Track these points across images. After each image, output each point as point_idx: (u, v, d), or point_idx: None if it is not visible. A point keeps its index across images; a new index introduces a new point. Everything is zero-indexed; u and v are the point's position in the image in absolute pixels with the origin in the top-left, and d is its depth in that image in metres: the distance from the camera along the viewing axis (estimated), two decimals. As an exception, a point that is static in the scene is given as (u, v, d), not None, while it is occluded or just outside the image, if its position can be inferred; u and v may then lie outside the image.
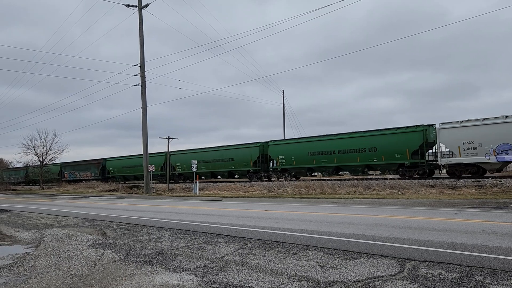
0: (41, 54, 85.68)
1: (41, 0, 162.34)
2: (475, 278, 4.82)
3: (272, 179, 32.05)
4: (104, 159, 52.59)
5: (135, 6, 33.01)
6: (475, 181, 21.27)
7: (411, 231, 8.41)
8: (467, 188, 20.34)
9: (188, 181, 40.91)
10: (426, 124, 24.79)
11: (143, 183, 38.74)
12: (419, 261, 5.77)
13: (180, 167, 41.22)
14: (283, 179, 29.34)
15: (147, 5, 32.79)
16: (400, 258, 6.01)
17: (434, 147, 24.87)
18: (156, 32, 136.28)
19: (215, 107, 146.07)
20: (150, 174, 34.30)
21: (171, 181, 40.29)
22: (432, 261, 5.71)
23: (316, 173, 33.49)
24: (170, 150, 39.04)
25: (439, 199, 17.16)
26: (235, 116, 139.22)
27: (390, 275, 5.09)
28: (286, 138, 33.24)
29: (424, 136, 24.33)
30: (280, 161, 31.85)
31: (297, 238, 8.12)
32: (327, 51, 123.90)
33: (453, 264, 5.52)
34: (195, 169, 32.27)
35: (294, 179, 31.22)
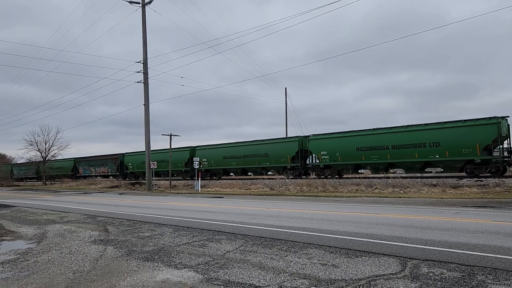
0: (44, 51, 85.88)
1: (47, 1, 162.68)
2: (476, 278, 4.80)
3: (311, 176, 30.54)
4: (122, 154, 49.74)
5: (138, 3, 33.01)
6: (478, 180, 21.21)
7: (413, 230, 8.40)
8: (469, 187, 20.29)
9: (215, 177, 38.80)
10: (499, 116, 22.36)
11: (167, 178, 37.86)
12: (420, 260, 5.76)
13: (207, 162, 38.60)
14: (323, 176, 28.25)
15: (150, 1, 32.78)
16: (402, 257, 6.00)
17: (506, 142, 22.83)
18: (156, 31, 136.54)
19: (216, 105, 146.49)
20: (152, 171, 34.37)
21: (195, 177, 38.41)
22: (433, 260, 5.70)
23: (362, 171, 31.21)
24: (196, 145, 38.92)
25: (441, 198, 17.13)
26: (237, 114, 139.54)
27: (392, 274, 5.09)
28: (329, 132, 29.42)
29: (498, 129, 21.91)
30: (322, 157, 29.25)
31: (298, 236, 8.12)
32: (326, 51, 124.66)
33: (454, 263, 5.51)
34: (197, 166, 32.31)
35: (337, 176, 29.13)
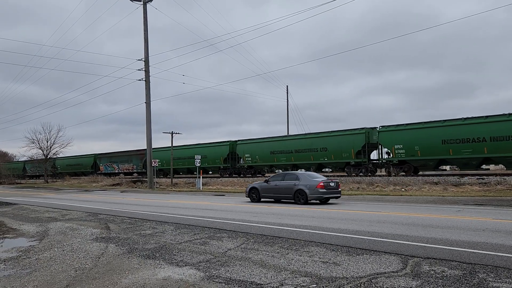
0: (45, 49, 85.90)
1: (48, 1, 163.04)
2: (478, 276, 4.80)
3: (380, 174, 28.01)
4: None
5: (140, 1, 32.98)
6: (479, 178, 21.18)
7: (414, 228, 8.40)
8: (471, 185, 20.28)
9: (258, 175, 35.05)
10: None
11: (194, 176, 35.68)
12: (422, 258, 5.76)
13: (250, 158, 34.86)
14: (394, 173, 25.68)
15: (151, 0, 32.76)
16: (403, 254, 6.00)
17: None
18: (154, 31, 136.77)
19: (216, 104, 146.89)
20: (154, 169, 34.39)
21: (235, 175, 36.40)
22: (435, 258, 5.70)
23: (446, 167, 27.89)
24: (237, 139, 36.70)
25: (442, 196, 17.12)
26: (237, 113, 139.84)
27: (393, 272, 5.09)
28: (405, 123, 26.01)
29: None
30: (397, 151, 25.63)
31: (300, 234, 8.12)
32: (323, 50, 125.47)
33: (456, 261, 5.51)
34: (198, 164, 32.25)
35: (412, 174, 25.81)
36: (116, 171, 50.31)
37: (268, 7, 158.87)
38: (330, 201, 15.91)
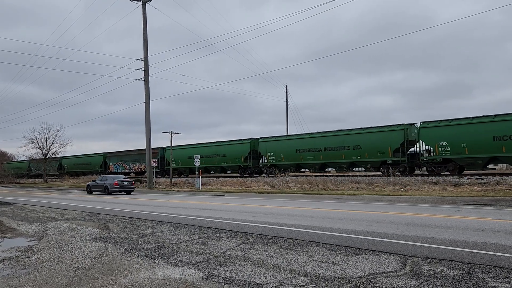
0: (44, 49, 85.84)
1: (47, 2, 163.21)
2: (477, 276, 4.80)
3: (421, 173, 26.15)
4: (163, 148, 44.06)
5: (139, 0, 32.97)
6: (478, 178, 21.20)
7: (413, 228, 8.40)
8: (470, 185, 20.29)
9: (282, 174, 32.29)
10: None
11: (217, 176, 34.75)
12: (421, 258, 5.76)
13: (273, 157, 32.99)
14: (436, 173, 24.01)
15: (150, -1, 32.75)
16: (402, 254, 6.00)
17: None
18: (153, 31, 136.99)
19: (214, 104, 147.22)
20: (154, 168, 34.37)
21: (256, 174, 34.92)
22: (434, 258, 5.70)
23: (495, 166, 26.05)
24: (258, 137, 34.88)
25: (442, 196, 17.13)
26: (235, 113, 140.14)
27: (392, 272, 5.09)
28: (449, 118, 23.91)
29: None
30: (440, 148, 23.75)
31: (299, 233, 8.12)
32: (321, 51, 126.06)
33: (455, 261, 5.51)
34: (197, 164, 32.26)
35: (457, 174, 23.76)
36: (127, 171, 48.36)
37: (265, 9, 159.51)
38: (329, 200, 15.93)
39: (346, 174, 29.82)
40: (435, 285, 4.48)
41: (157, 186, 34.75)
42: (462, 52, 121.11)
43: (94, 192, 27.28)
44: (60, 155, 59.50)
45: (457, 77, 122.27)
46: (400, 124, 25.98)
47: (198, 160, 32.40)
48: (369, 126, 27.84)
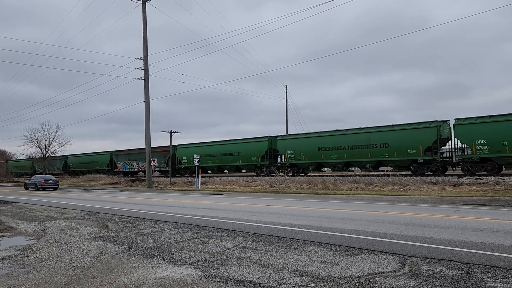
0: (43, 47, 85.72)
1: (46, 2, 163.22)
2: (476, 276, 4.81)
3: (453, 173, 24.78)
4: (174, 146, 41.65)
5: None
6: (478, 178, 21.22)
7: (412, 227, 8.41)
8: (469, 185, 20.30)
9: (301, 174, 31.52)
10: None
11: (236, 175, 33.64)
12: (420, 257, 5.77)
13: (293, 156, 31.32)
14: (471, 172, 22.85)
15: (150, -2, 32.73)
16: (401, 254, 6.01)
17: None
18: (151, 31, 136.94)
19: (213, 104, 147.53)
20: (152, 168, 34.37)
21: (273, 174, 33.35)
22: (433, 258, 5.71)
23: None
24: (276, 135, 33.72)
25: (441, 196, 17.15)
26: (234, 112, 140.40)
27: (391, 271, 5.10)
28: (482, 115, 22.52)
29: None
30: (478, 147, 22.31)
31: (298, 233, 8.13)
32: (318, 52, 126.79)
33: (454, 261, 5.52)
34: (197, 163, 32.24)
35: (495, 174, 22.37)
36: (136, 169, 46.82)
37: (263, 10, 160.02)
38: (329, 200, 15.93)
39: (371, 174, 28.21)
40: (434, 285, 4.49)
41: (156, 185, 34.74)
42: (459, 53, 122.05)
43: (29, 188, 34.66)
44: (60, 154, 59.26)
45: (455, 77, 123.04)
46: (433, 121, 24.48)
47: (198, 159, 32.37)
48: (398, 123, 26.31)
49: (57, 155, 60.68)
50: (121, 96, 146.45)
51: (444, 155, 25.38)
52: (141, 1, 32.88)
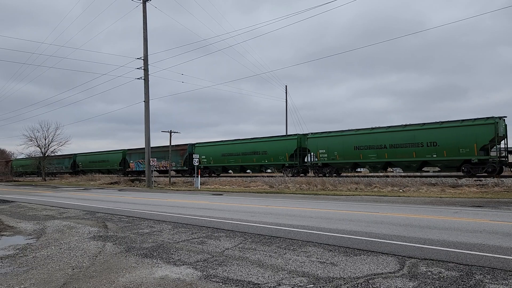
0: (43, 47, 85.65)
1: (46, 3, 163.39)
2: (474, 277, 4.82)
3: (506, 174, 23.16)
4: (192, 145, 40.37)
5: (139, -1, 32.95)
6: (477, 180, 21.24)
7: (411, 229, 8.41)
8: (468, 187, 20.31)
9: (334, 174, 29.60)
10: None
11: (248, 175, 32.19)
12: (419, 259, 5.78)
13: (326, 155, 29.26)
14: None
15: (151, -2, 32.73)
16: (400, 255, 6.01)
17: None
18: (149, 32, 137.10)
19: (212, 104, 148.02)
20: (152, 167, 34.35)
21: (302, 174, 32.18)
22: (432, 259, 5.71)
23: None
24: (307, 132, 32.01)
25: (440, 197, 17.15)
26: (233, 113, 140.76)
27: (390, 273, 5.10)
28: None
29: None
30: None
31: (297, 234, 8.13)
32: (315, 53, 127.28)
33: (453, 262, 5.52)
34: (196, 163, 32.22)
35: None
36: (151, 169, 45.93)
37: (259, 13, 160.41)
38: (328, 201, 15.98)
39: (384, 174, 27.31)
40: (433, 286, 4.49)
41: (156, 185, 34.72)
42: (455, 55, 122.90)
43: None
44: (58, 153, 59.18)
45: (451, 79, 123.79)
46: (489, 118, 22.37)
47: (197, 159, 32.33)
48: (448, 120, 24.18)
49: (65, 153, 59.91)
50: (121, 96, 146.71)
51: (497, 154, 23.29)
52: (141, 1, 32.88)
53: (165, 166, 42.14)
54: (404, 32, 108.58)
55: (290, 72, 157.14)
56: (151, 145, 42.13)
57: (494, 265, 5.32)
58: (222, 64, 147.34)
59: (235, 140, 37.04)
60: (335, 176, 28.46)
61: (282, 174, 31.82)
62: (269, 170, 35.53)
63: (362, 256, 6.06)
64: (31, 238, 8.61)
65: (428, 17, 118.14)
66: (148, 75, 33.41)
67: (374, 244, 6.88)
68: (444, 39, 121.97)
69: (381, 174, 28.21)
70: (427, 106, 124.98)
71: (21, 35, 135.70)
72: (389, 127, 26.63)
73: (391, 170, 31.44)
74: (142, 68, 33.25)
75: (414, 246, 6.65)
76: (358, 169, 31.37)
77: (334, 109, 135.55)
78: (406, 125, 25.79)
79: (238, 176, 35.77)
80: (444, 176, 24.40)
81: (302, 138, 31.57)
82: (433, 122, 24.66)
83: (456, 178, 22.26)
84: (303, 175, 31.28)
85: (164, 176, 40.53)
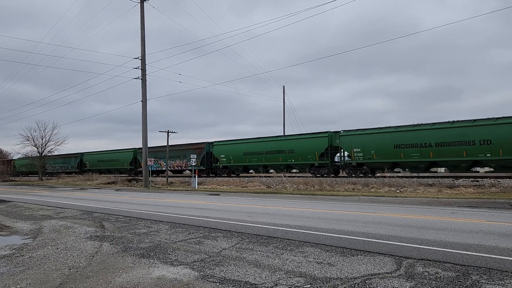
0: (41, 46, 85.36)
1: (44, 5, 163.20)
2: (471, 277, 4.83)
3: None
4: (209, 143, 38.62)
5: (137, -1, 32.89)
6: (474, 180, 21.31)
7: (408, 229, 8.43)
8: (465, 187, 20.38)
9: (369, 175, 27.59)
10: None
11: (273, 175, 30.60)
12: (416, 259, 5.79)
13: (361, 154, 27.30)
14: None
15: (148, -2, 32.68)
16: (397, 256, 6.02)
17: None
18: (146, 32, 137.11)
19: (209, 104, 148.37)
20: (150, 167, 34.28)
21: (332, 175, 30.17)
22: (429, 260, 5.72)
23: None
24: (339, 130, 29.75)
25: (437, 198, 17.19)
26: (230, 113, 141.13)
27: (387, 273, 5.11)
28: None
29: None
30: None
31: (294, 234, 8.13)
32: (310, 55, 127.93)
33: (449, 263, 5.54)
34: (194, 163, 32.19)
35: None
36: (163, 168, 42.53)
37: (254, 15, 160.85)
38: (325, 201, 16.00)
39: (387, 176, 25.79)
40: (429, 287, 4.50)
41: (153, 185, 34.67)
42: (449, 57, 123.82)
43: None
44: (56, 152, 58.99)
45: (445, 81, 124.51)
46: None
47: (195, 159, 32.30)
48: (504, 116, 21.96)
49: (70, 152, 59.15)
50: (118, 96, 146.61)
51: None
52: (139, 1, 32.84)
53: (180, 166, 40.80)
54: (398, 35, 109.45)
55: (286, 73, 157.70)
56: (161, 144, 41.49)
57: (490, 266, 5.34)
58: (219, 65, 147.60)
59: (258, 138, 35.29)
60: (369, 177, 26.49)
61: (310, 175, 30.25)
62: (294, 170, 33.96)
63: (359, 256, 6.07)
64: (28, 238, 8.57)
65: (423, 19, 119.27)
66: (145, 74, 33.36)
67: (371, 245, 6.89)
68: (438, 41, 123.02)
69: (422, 174, 26.27)
70: (423, 107, 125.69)
71: (19, 35, 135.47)
72: (434, 123, 24.59)
73: (435, 170, 29.66)
74: (140, 67, 33.19)
75: (411, 246, 6.67)
76: (396, 169, 29.53)
77: (330, 110, 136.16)
78: (454, 122, 23.85)
79: (238, 176, 35.83)
80: (442, 177, 24.46)
81: (333, 135, 29.73)
82: (487, 119, 22.61)
83: (453, 179, 22.33)
84: (333, 175, 29.60)
85: (177, 177, 39.57)
